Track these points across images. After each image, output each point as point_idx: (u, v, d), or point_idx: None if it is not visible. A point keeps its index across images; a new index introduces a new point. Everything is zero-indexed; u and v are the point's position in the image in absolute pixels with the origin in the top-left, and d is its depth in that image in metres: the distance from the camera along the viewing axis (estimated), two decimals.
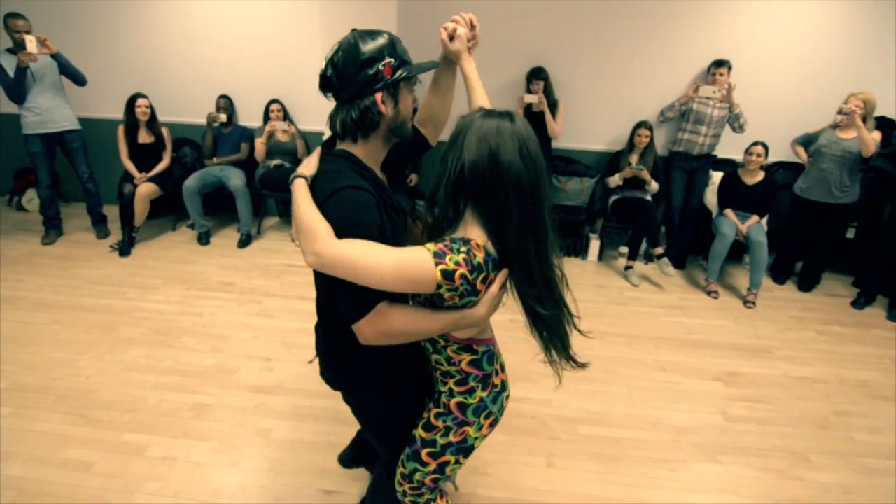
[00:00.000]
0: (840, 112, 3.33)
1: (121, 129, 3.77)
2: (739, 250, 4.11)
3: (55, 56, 3.52)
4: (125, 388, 2.28)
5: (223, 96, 4.20)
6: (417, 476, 1.24)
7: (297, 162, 4.20)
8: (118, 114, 3.80)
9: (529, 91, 3.85)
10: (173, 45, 4.21)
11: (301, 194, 1.02)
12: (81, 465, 1.88)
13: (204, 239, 3.95)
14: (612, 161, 4.16)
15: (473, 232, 1.01)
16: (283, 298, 3.20)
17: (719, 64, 3.74)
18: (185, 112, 4.38)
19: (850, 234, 3.96)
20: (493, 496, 1.85)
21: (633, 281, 3.80)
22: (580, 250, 4.23)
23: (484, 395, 1.17)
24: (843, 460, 2.14)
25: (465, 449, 1.21)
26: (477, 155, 0.96)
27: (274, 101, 4.15)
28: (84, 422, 2.08)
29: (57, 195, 3.87)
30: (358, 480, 1.87)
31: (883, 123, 3.77)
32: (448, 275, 0.94)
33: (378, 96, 1.04)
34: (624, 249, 4.13)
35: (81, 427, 2.06)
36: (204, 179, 3.95)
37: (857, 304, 3.55)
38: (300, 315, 3.01)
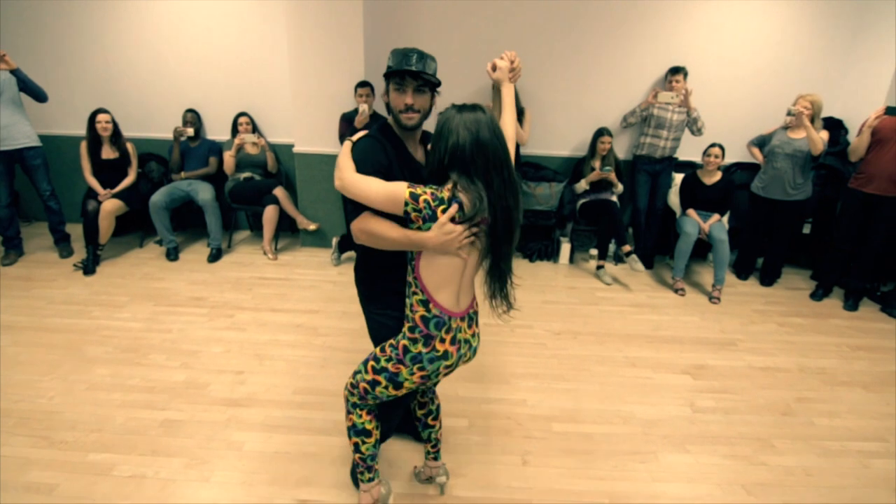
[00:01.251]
0: (789, 114, 3.50)
1: (83, 146, 3.69)
2: (703, 249, 4.25)
3: (14, 72, 3.45)
4: (90, 408, 2.22)
5: (190, 110, 4.16)
6: (358, 377, 1.53)
7: (267, 175, 4.19)
8: (81, 130, 3.73)
9: None
10: (137, 58, 4.16)
11: (344, 147, 1.43)
12: (45, 487, 1.81)
13: (172, 255, 3.88)
14: (577, 167, 4.26)
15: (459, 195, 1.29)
16: (254, 311, 3.17)
17: (675, 71, 3.90)
18: (151, 127, 4.33)
19: (807, 229, 4.15)
20: (469, 496, 1.86)
21: (605, 280, 3.88)
22: (551, 254, 4.30)
23: (423, 350, 1.38)
24: (805, 444, 2.23)
25: (395, 382, 1.44)
26: (464, 138, 1.25)
27: (242, 113, 4.13)
28: (47, 444, 2.02)
29: (17, 214, 3.75)
30: (335, 488, 1.85)
31: (830, 124, 3.98)
32: (415, 197, 1.26)
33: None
34: (594, 251, 4.24)
35: (44, 449, 1.99)
36: (171, 194, 3.89)
37: (816, 295, 3.71)
38: (272, 327, 2.98)
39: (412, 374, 1.41)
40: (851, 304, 3.60)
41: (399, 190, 1.27)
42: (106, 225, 3.62)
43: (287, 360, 2.66)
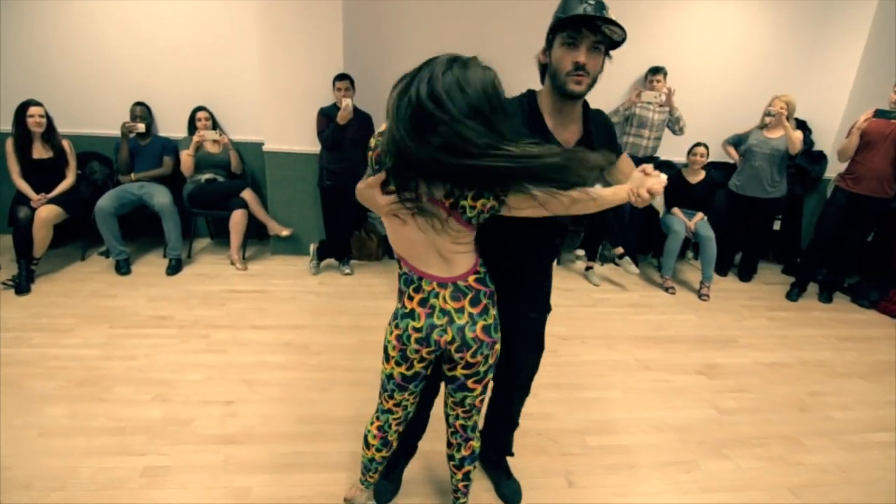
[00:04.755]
0: (769, 114, 3.61)
1: (9, 143, 3.14)
2: (683, 247, 4.31)
3: None
4: (48, 460, 1.81)
5: (139, 103, 3.67)
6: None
7: (231, 176, 3.78)
8: (6, 125, 3.16)
9: None
10: (75, 44, 3.61)
11: None
12: None
13: (123, 268, 3.39)
14: None
15: None
16: (232, 329, 2.80)
17: (656, 71, 3.92)
18: (93, 122, 3.78)
19: (776, 225, 4.31)
20: None
21: (594, 281, 3.82)
22: None
23: (398, 305, 1.30)
24: (831, 440, 2.23)
25: (385, 352, 1.35)
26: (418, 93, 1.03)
27: (200, 108, 3.70)
28: None
29: None
30: None
31: (797, 125, 4.17)
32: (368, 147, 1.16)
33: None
34: (580, 252, 4.18)
35: None
36: (121, 199, 3.40)
37: (791, 295, 3.80)
38: (256, 347, 2.64)
39: (391, 333, 1.31)
40: (826, 297, 3.76)
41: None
42: (41, 235, 3.09)
43: (281, 385, 2.34)
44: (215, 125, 3.77)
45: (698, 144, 3.73)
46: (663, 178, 1.18)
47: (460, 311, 1.23)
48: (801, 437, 2.23)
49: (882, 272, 3.89)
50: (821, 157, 4.15)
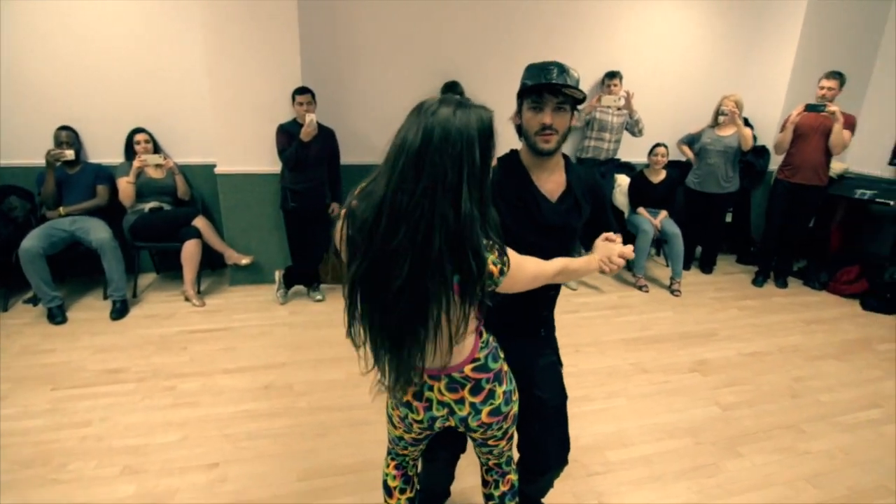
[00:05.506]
0: (722, 113, 3.79)
1: None
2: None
3: None
4: None
5: (64, 128, 3.22)
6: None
7: (178, 203, 3.43)
8: None
9: None
10: None
11: None
12: None
13: (58, 316, 2.95)
14: None
15: None
16: (201, 377, 2.49)
17: (612, 75, 4.01)
18: (9, 152, 3.28)
19: (728, 218, 4.54)
20: None
21: (571, 286, 3.83)
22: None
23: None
24: (825, 424, 2.31)
25: (388, 413, 1.27)
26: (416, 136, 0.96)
27: (138, 130, 3.33)
28: None
29: None
30: None
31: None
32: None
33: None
34: None
35: None
36: (50, 237, 2.96)
37: (757, 282, 4.02)
38: (233, 394, 2.36)
39: (392, 408, 1.24)
40: (782, 282, 3.99)
41: None
42: None
43: (271, 437, 2.09)
44: (157, 148, 3.40)
45: (658, 145, 3.85)
46: (630, 248, 1.26)
47: (460, 402, 1.15)
48: (800, 425, 2.30)
49: (824, 256, 4.20)
50: (763, 152, 4.43)
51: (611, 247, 1.26)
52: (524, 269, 1.09)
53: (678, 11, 4.21)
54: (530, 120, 1.26)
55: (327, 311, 3.29)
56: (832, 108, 3.38)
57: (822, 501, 1.86)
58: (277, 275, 3.40)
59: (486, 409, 1.15)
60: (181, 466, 1.90)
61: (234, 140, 3.28)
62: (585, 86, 4.22)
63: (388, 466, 1.39)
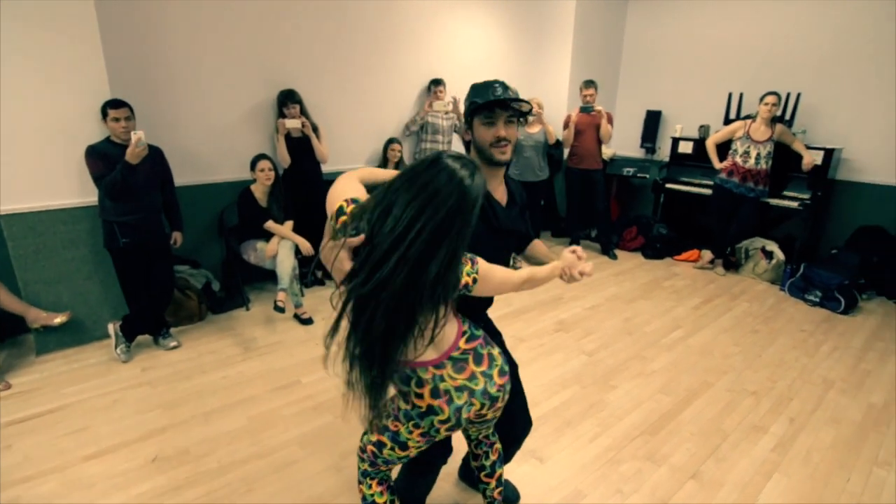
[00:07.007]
0: (530, 113, 4.48)
1: None
2: None
3: None
4: None
5: None
6: (365, 439, 1.36)
7: None
8: None
9: (283, 115, 3.51)
10: None
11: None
12: None
13: None
14: None
15: None
16: (54, 473, 1.93)
17: (437, 83, 4.37)
18: None
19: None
20: None
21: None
22: None
23: (406, 406, 1.24)
24: (655, 348, 3.03)
25: (398, 442, 1.27)
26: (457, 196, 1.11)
27: None
28: None
29: None
30: None
31: None
32: (342, 211, 1.11)
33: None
34: None
35: None
36: None
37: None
38: (114, 481, 1.90)
39: (410, 432, 1.23)
40: (612, 255, 4.91)
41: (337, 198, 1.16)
42: None
43: None
44: None
45: None
46: (591, 265, 1.39)
47: (472, 377, 1.22)
48: (641, 353, 2.97)
49: (610, 223, 5.35)
50: (559, 144, 5.37)
51: (574, 260, 1.38)
52: (492, 277, 1.24)
53: (480, 27, 4.80)
54: (484, 134, 1.34)
55: (189, 357, 2.85)
56: (598, 108, 4.37)
57: (673, 403, 2.47)
58: (112, 328, 2.79)
59: (495, 372, 1.25)
60: None
61: (24, 170, 2.56)
62: (413, 93, 4.50)
63: (370, 487, 1.38)
